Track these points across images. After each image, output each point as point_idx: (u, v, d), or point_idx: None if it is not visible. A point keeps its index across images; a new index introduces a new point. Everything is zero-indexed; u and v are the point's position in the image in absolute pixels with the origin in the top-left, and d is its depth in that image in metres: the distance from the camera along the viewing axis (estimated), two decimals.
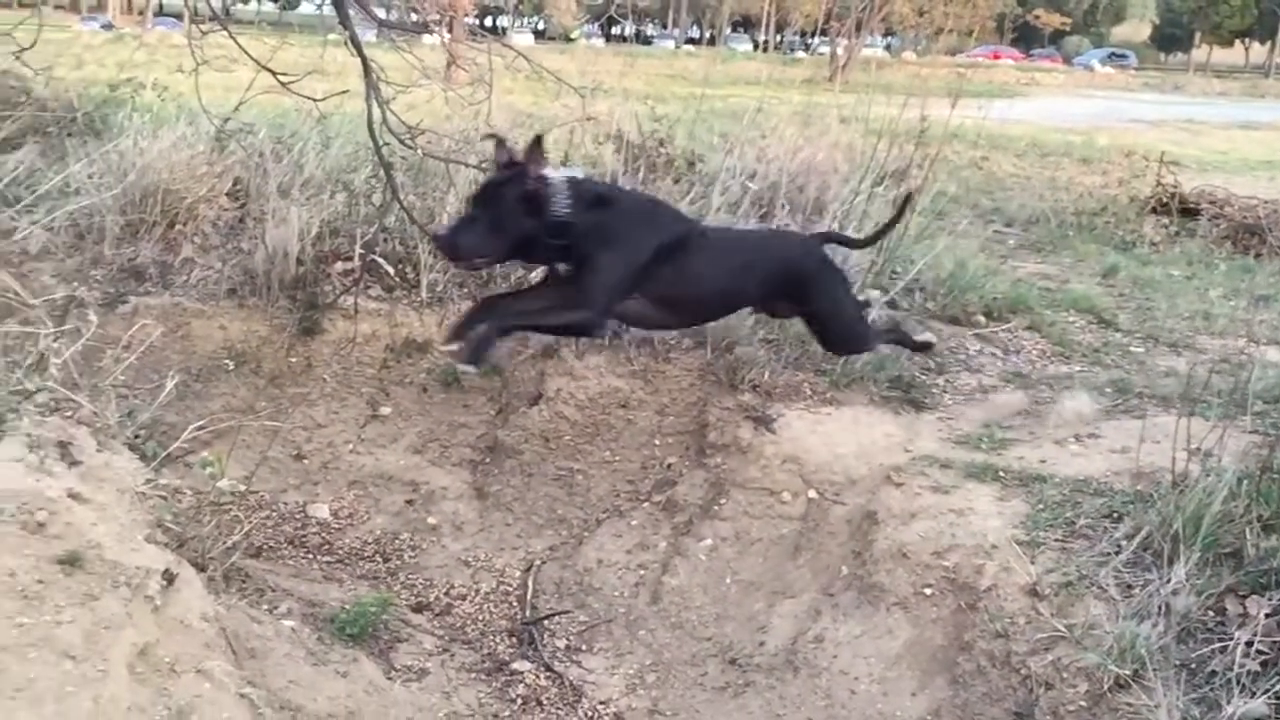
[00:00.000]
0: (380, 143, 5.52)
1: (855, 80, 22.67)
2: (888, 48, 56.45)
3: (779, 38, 65.92)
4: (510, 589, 4.46)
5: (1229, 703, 2.87)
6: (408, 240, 5.73)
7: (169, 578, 2.90)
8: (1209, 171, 14.09)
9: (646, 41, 66.15)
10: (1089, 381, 5.51)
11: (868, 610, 4.03)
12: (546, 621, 4.28)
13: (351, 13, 5.51)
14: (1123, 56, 70.86)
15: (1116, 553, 3.63)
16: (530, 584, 4.47)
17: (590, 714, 3.77)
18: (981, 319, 6.29)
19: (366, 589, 4.13)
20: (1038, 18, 70.87)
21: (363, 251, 5.62)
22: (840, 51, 37.39)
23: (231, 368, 5.06)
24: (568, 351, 5.29)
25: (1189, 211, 10.29)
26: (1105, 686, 3.15)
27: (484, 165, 5.96)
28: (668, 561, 4.57)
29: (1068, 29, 75.37)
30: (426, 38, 7.71)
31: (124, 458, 3.54)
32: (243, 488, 4.03)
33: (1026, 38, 76.75)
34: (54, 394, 3.47)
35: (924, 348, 4.74)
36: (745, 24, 73.71)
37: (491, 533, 4.80)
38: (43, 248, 5.28)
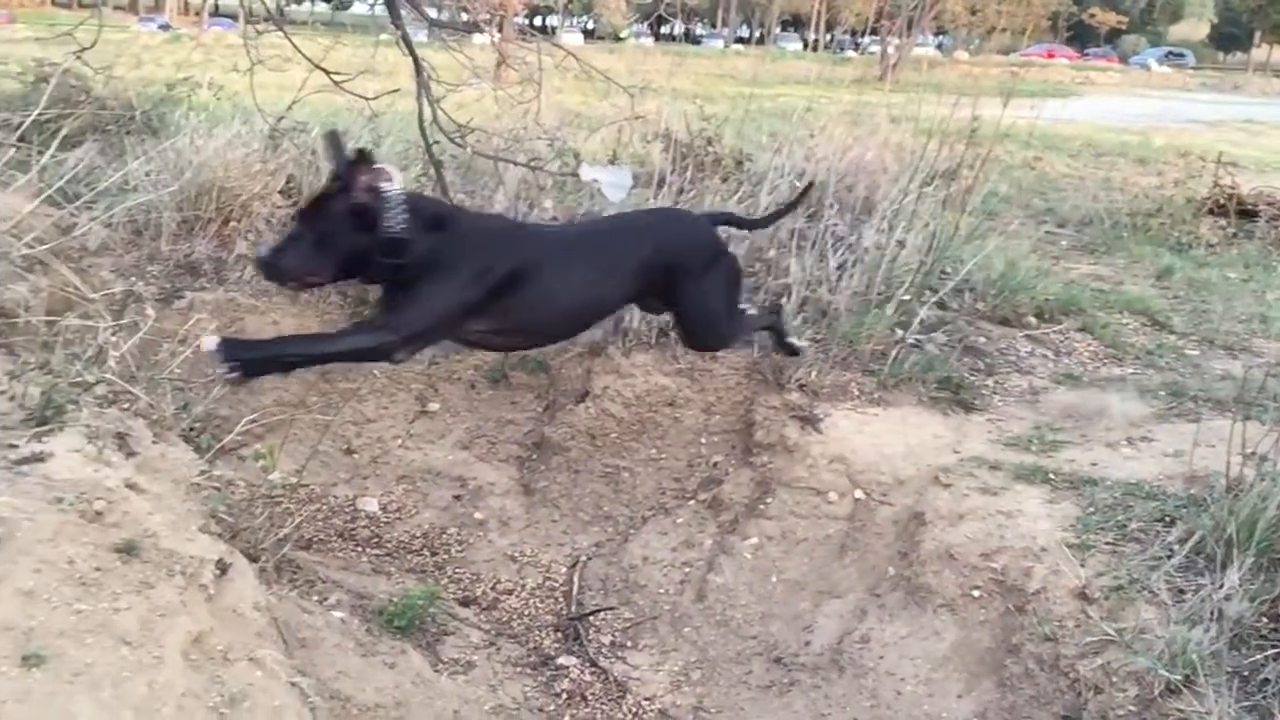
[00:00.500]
0: (431, 141, 5.59)
1: (906, 79, 22.48)
2: (939, 47, 55.97)
3: (829, 37, 65.57)
4: (556, 584, 4.48)
5: None
6: None
7: (222, 567, 2.95)
8: (1268, 173, 13.80)
9: (695, 41, 66.00)
10: (1142, 384, 5.43)
11: (914, 611, 4.01)
12: (592, 617, 4.30)
13: (404, 13, 5.57)
14: (1180, 56, 69.70)
15: (1168, 557, 3.58)
16: (576, 580, 4.49)
17: (635, 710, 3.79)
18: (1033, 320, 6.22)
19: (414, 582, 4.17)
20: (1093, 16, 69.94)
21: None
22: (891, 50, 37.10)
23: None
24: (615, 350, 5.31)
25: (1247, 213, 10.10)
26: (1155, 692, 3.11)
27: (534, 164, 6.01)
28: (713, 560, 4.58)
29: (1124, 28, 74.29)
30: (476, 37, 7.78)
31: (179, 449, 3.61)
32: (294, 481, 4.09)
33: (1081, 36, 75.74)
34: (112, 386, 3.54)
35: (793, 352, 4.63)
36: (795, 23, 73.38)
37: (538, 528, 4.83)
38: (102, 244, 5.39)
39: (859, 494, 4.61)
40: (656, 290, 3.71)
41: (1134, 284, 7.77)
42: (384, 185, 3.09)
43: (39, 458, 2.99)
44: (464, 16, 8.44)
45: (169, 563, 2.79)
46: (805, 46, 61.70)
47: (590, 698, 3.81)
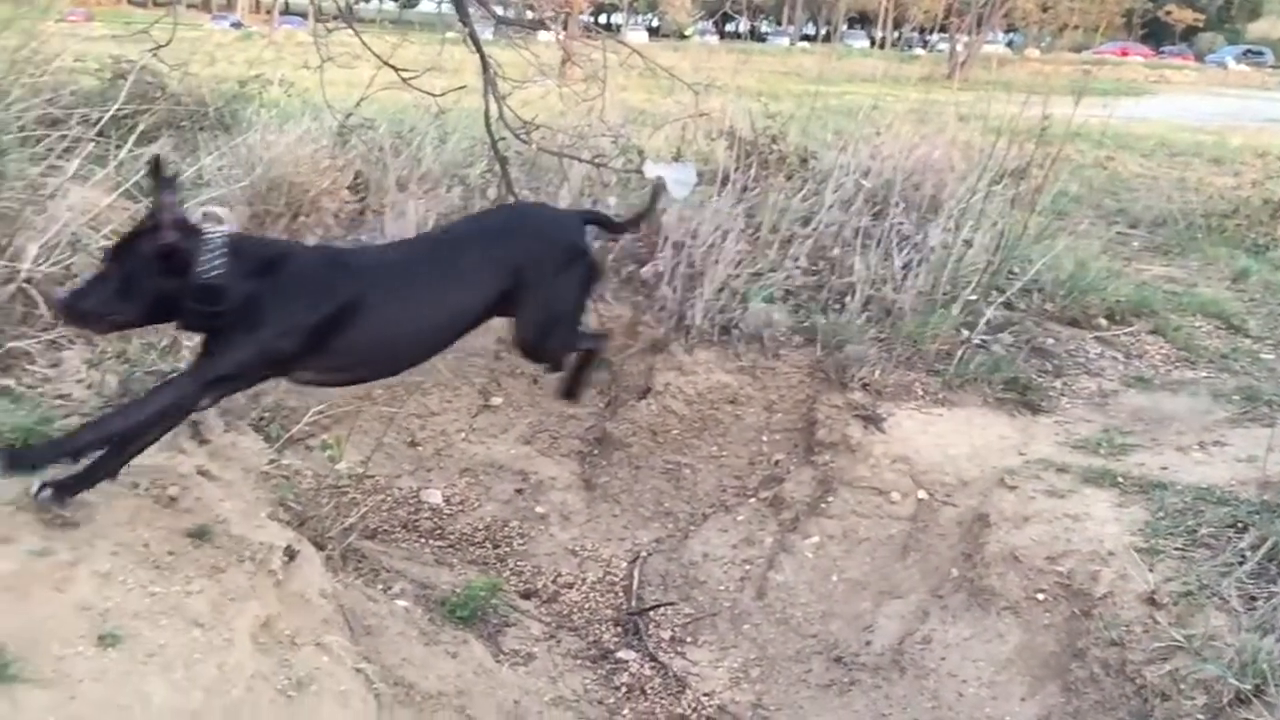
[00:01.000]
0: (497, 137, 5.63)
1: (975, 77, 22.21)
2: (1010, 44, 55.10)
3: (896, 34, 64.92)
4: (616, 579, 4.50)
5: None
6: None
7: (290, 554, 3.01)
8: None
9: (761, 38, 65.70)
10: (1215, 388, 5.32)
11: (977, 613, 3.97)
12: (652, 612, 4.31)
13: (471, 10, 5.62)
14: (1259, 54, 67.86)
15: (1240, 563, 3.51)
16: (636, 575, 4.51)
17: (694, 705, 3.79)
18: (1103, 322, 6.12)
19: (476, 574, 4.21)
20: (1169, 13, 68.42)
21: None
22: (960, 48, 36.64)
23: None
24: (677, 346, 5.32)
25: None
26: (1224, 700, 3.05)
27: (598, 160, 6.04)
28: (773, 558, 4.56)
29: (1201, 25, 72.59)
30: (542, 35, 7.82)
31: (249, 439, 3.69)
32: (360, 471, 4.15)
33: (1156, 34, 74.14)
34: None
35: (570, 394, 3.72)
36: (862, 20, 72.77)
37: (599, 523, 4.85)
38: None
39: (922, 494, 4.57)
40: (524, 289, 3.23)
41: (1208, 286, 7.59)
42: (207, 227, 2.80)
43: None
44: (529, 14, 8.50)
45: (239, 548, 2.85)
46: (872, 44, 61.08)
47: (649, 692, 3.82)
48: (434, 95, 5.91)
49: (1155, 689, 3.26)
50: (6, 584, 2.36)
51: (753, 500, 4.88)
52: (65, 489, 2.65)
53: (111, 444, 2.72)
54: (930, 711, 3.73)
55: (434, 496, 4.80)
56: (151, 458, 3.08)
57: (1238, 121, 23.35)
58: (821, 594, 4.39)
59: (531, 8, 8.53)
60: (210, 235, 2.76)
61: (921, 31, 61.31)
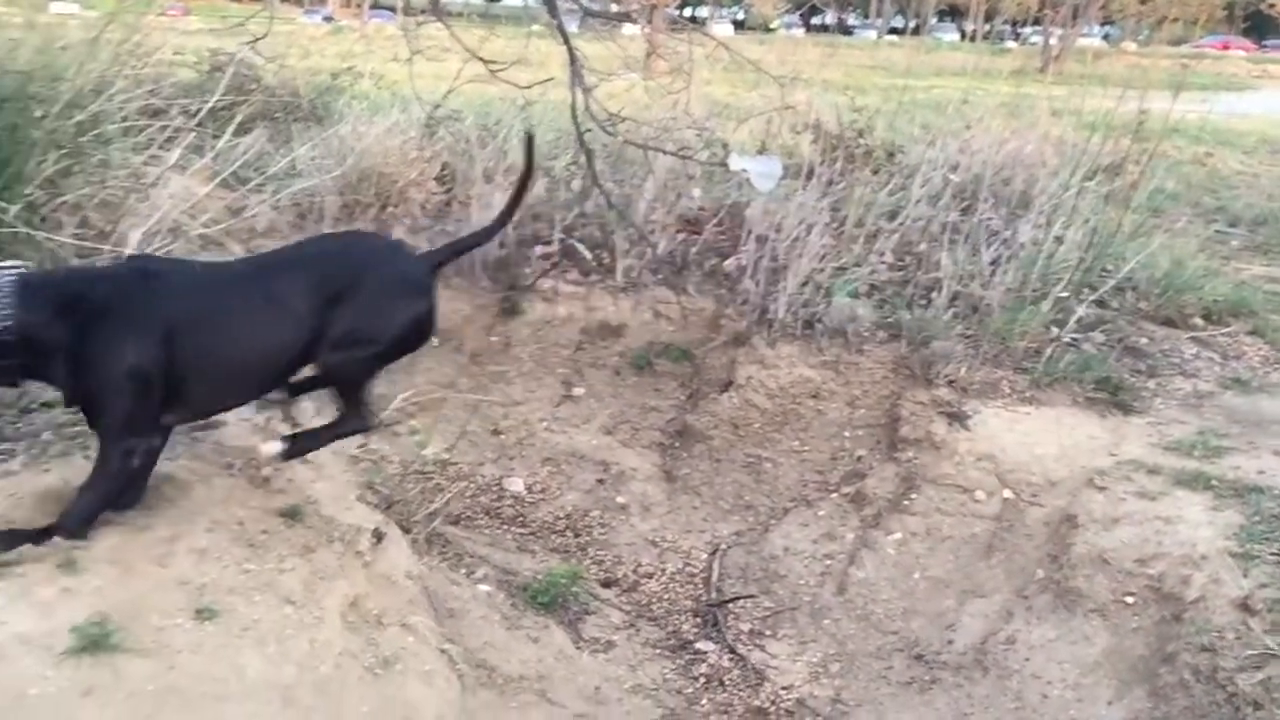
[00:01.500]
0: (583, 129, 5.66)
1: (1069, 71, 21.73)
2: (1106, 37, 53.71)
3: (988, 27, 63.73)
4: (695, 571, 4.51)
5: None
6: (605, 226, 5.85)
7: (378, 536, 3.08)
8: None
9: (847, 31, 64.88)
10: None
11: (1063, 615, 3.90)
12: (731, 605, 4.30)
13: (560, 3, 5.66)
14: None
15: None
16: (716, 567, 4.51)
17: (772, 698, 3.78)
18: (1199, 321, 5.95)
19: (557, 561, 4.25)
20: (1272, 6, 66.12)
21: (562, 236, 5.77)
22: (1053, 41, 35.84)
23: (436, 344, 5.28)
24: (759, 340, 5.30)
25: None
26: None
27: (682, 153, 6.04)
28: (855, 553, 4.53)
29: None
30: (626, 27, 7.83)
31: None
32: (444, 458, 4.22)
33: (1260, 27, 71.69)
34: None
35: (293, 450, 2.97)
36: (952, 13, 71.41)
37: (679, 515, 4.86)
38: (269, 225, 5.63)
39: (1008, 493, 4.50)
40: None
41: None
42: None
43: (211, 425, 3.16)
44: (615, 6, 8.52)
45: (329, 529, 2.92)
46: (962, 37, 59.98)
47: (728, 683, 3.82)
48: (521, 87, 5.96)
49: (1247, 697, 3.18)
50: (111, 558, 2.46)
51: (834, 495, 4.85)
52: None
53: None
54: (1013, 712, 3.68)
55: (516, 484, 4.85)
56: (244, 440, 3.17)
57: None
58: (903, 591, 4.34)
59: (618, 0, 8.55)
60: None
61: (1014, 24, 60.11)
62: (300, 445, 2.95)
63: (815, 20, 61.87)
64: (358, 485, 3.44)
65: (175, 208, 4.14)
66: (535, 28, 7.32)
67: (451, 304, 5.46)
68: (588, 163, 5.70)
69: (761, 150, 7.01)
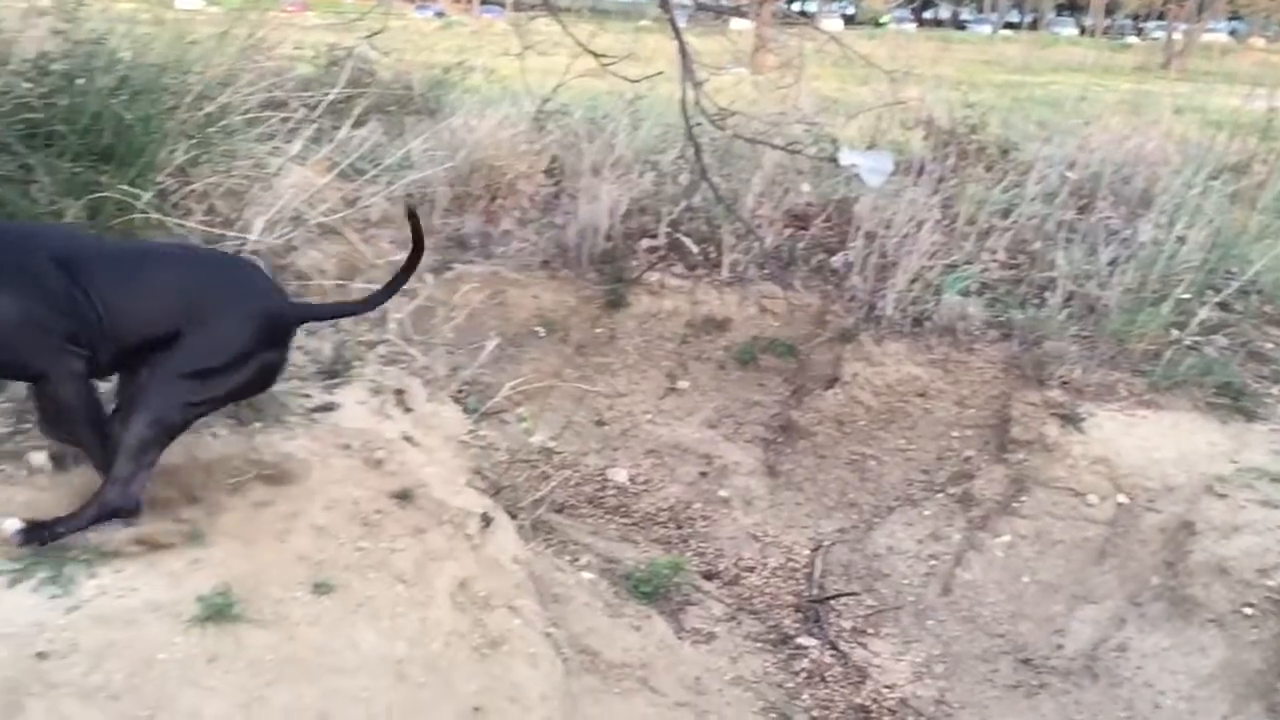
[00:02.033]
0: (692, 123, 5.67)
1: (1193, 67, 21.02)
2: (1232, 32, 51.76)
3: (1108, 22, 61.89)
4: (797, 566, 4.49)
5: None
6: (712, 220, 5.84)
7: (486, 520, 3.13)
8: None
9: (961, 26, 63.63)
10: None
11: (1178, 624, 3.79)
12: (833, 601, 4.28)
13: None
14: None
15: None
16: (818, 563, 4.48)
17: (874, 696, 3.75)
18: None
19: (660, 552, 4.27)
20: None
21: (668, 229, 5.78)
22: (1177, 36, 34.68)
23: (542, 334, 5.36)
24: (866, 337, 5.24)
25: None
26: None
27: (791, 148, 6.00)
28: (961, 554, 4.45)
29: None
30: (734, 22, 7.82)
31: (449, 409, 3.83)
32: (550, 446, 4.27)
33: None
34: (393, 347, 3.81)
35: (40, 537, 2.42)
36: (1070, 7, 69.52)
37: (781, 510, 4.84)
38: (383, 216, 5.75)
39: (1122, 498, 4.38)
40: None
41: None
42: None
43: (329, 407, 3.25)
44: (725, 1, 8.51)
45: (439, 511, 2.98)
46: (1081, 32, 58.45)
47: (829, 679, 3.80)
48: (631, 80, 5.99)
49: None
50: (234, 532, 2.54)
51: (940, 495, 4.77)
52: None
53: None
54: None
55: (620, 475, 4.89)
56: (360, 423, 3.25)
57: None
58: (1011, 594, 4.26)
59: None
60: None
61: (1135, 18, 58.32)
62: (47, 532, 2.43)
63: (927, 14, 60.80)
64: (466, 470, 3.49)
65: (296, 197, 4.25)
66: (644, 22, 7.36)
67: (557, 295, 5.52)
68: (696, 156, 5.71)
69: (871, 146, 6.93)
